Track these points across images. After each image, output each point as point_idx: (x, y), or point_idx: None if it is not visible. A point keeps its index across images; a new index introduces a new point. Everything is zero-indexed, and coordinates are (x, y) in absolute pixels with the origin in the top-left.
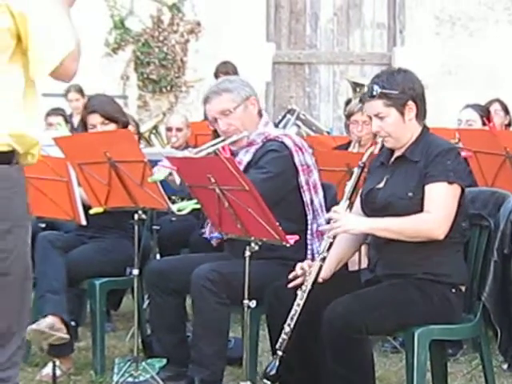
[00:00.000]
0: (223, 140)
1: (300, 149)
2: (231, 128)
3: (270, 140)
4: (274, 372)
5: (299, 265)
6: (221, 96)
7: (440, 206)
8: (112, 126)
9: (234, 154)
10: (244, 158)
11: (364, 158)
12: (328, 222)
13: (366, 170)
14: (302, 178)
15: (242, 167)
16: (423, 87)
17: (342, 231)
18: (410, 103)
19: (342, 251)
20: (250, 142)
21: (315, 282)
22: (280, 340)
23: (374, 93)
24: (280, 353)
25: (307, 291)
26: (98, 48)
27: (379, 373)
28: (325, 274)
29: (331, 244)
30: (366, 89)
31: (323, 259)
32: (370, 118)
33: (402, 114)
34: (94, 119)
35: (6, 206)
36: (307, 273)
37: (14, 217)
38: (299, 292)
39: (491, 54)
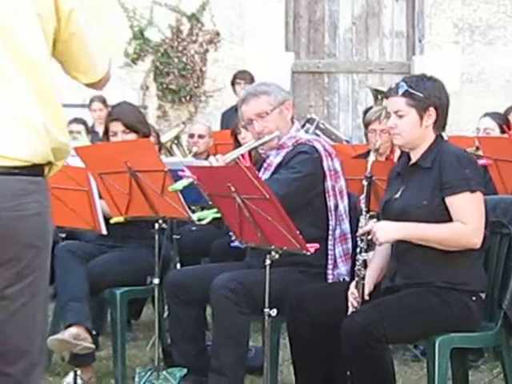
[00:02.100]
0: (254, 142)
1: (330, 154)
2: (266, 130)
3: (300, 143)
4: None
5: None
6: (259, 98)
7: (473, 217)
8: (132, 136)
9: (264, 157)
10: (274, 160)
11: (368, 169)
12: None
13: (379, 178)
14: (329, 183)
15: (272, 168)
16: (449, 100)
17: (379, 243)
18: (432, 110)
19: (381, 262)
20: (280, 145)
21: (363, 301)
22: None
23: (400, 89)
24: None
25: None
26: (118, 58)
27: (400, 382)
28: (368, 288)
29: (365, 261)
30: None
31: (363, 278)
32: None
33: (421, 118)
34: (116, 127)
35: (45, 222)
36: (354, 295)
37: (49, 232)
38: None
39: (510, 62)
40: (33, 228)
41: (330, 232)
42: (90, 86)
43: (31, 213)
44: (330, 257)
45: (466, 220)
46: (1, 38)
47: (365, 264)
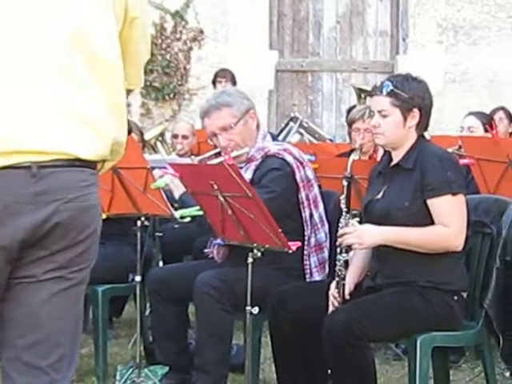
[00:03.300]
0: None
1: (301, 163)
2: (231, 144)
3: (269, 156)
4: None
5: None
6: (221, 111)
7: (455, 219)
8: None
9: None
10: (245, 175)
11: (348, 169)
12: (330, 234)
13: (361, 177)
14: (303, 194)
15: None
16: (432, 102)
17: (360, 248)
18: (416, 111)
19: (362, 263)
20: (249, 158)
21: (344, 300)
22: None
23: (385, 89)
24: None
25: None
26: None
27: (381, 380)
28: (349, 288)
29: (346, 261)
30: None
31: (343, 278)
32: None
33: (405, 118)
34: None
35: (101, 213)
36: (334, 294)
37: (101, 224)
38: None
39: (494, 62)
40: (93, 218)
41: (306, 241)
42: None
43: (92, 204)
44: (305, 266)
45: (447, 223)
46: (79, 42)
47: (346, 264)
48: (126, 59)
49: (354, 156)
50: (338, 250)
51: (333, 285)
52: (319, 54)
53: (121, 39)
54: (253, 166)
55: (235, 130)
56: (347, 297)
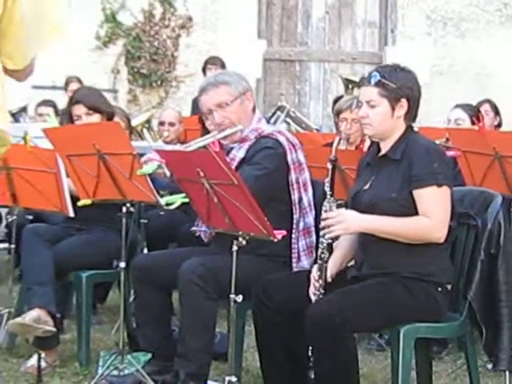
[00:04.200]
0: (216, 134)
1: (293, 146)
2: (226, 121)
3: (263, 137)
4: (312, 376)
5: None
6: (218, 88)
7: (438, 211)
8: (97, 117)
9: (226, 149)
10: (237, 154)
11: (332, 153)
12: (316, 220)
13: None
14: (293, 176)
15: (235, 163)
16: (420, 92)
17: (343, 233)
18: (404, 101)
19: (345, 250)
20: (243, 138)
21: (326, 283)
22: (309, 353)
23: (373, 79)
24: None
25: (321, 295)
26: (89, 41)
27: (364, 370)
28: (331, 272)
29: (329, 244)
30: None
31: (326, 261)
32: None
33: (393, 108)
34: (79, 110)
35: None
36: (315, 277)
37: None
38: (313, 297)
39: (482, 54)
40: None
41: (294, 225)
42: (13, 74)
43: None
44: (293, 250)
45: (430, 214)
46: None
47: (328, 247)
48: (7, 36)
49: (338, 146)
50: (321, 233)
51: (315, 268)
52: (307, 43)
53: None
54: (246, 145)
55: (231, 107)
56: (329, 279)
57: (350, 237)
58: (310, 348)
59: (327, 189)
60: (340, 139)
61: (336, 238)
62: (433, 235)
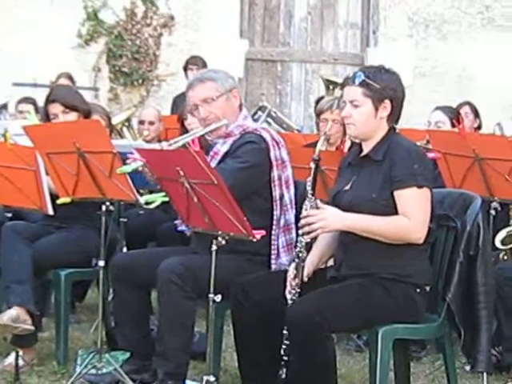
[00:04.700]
0: (202, 129)
1: (277, 143)
2: (211, 116)
3: (247, 132)
4: (284, 376)
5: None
6: (204, 84)
7: (417, 211)
8: (73, 115)
9: (211, 144)
10: (221, 148)
11: (316, 152)
12: (296, 219)
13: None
14: (275, 173)
15: (218, 157)
16: (404, 94)
17: (321, 232)
18: (387, 102)
19: (322, 249)
20: (227, 133)
21: (302, 282)
22: (284, 346)
23: (357, 79)
24: (286, 358)
25: (297, 294)
26: (71, 39)
27: (342, 371)
28: (308, 271)
29: (307, 243)
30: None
31: (303, 260)
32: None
33: (377, 109)
34: (55, 108)
35: None
36: (292, 275)
37: None
38: (289, 296)
39: (464, 57)
40: None
41: (275, 222)
42: None
43: None
44: (273, 246)
45: (409, 215)
46: None
47: (307, 246)
48: None
49: (321, 146)
50: (300, 232)
51: (292, 266)
52: (289, 44)
53: None
54: (230, 140)
55: (216, 103)
56: (305, 279)
57: (328, 236)
58: (284, 347)
59: (309, 188)
60: (324, 139)
61: (315, 238)
62: (412, 236)
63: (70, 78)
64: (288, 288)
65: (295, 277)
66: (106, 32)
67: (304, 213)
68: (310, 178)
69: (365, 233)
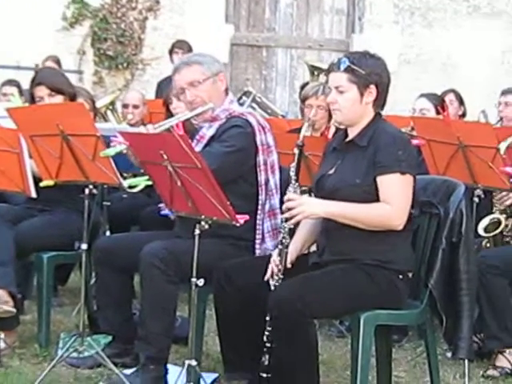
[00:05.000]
0: (188, 112)
1: (263, 128)
2: (197, 99)
3: (234, 116)
4: (266, 363)
5: (273, 262)
6: (191, 67)
7: (398, 198)
8: (59, 98)
9: (196, 128)
10: (207, 132)
11: (300, 138)
12: (280, 204)
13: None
14: (261, 158)
15: (204, 141)
16: (390, 80)
17: (301, 218)
18: (372, 87)
19: (305, 235)
20: (213, 117)
21: (285, 269)
22: (266, 332)
23: (342, 65)
24: (269, 344)
25: (280, 280)
26: (55, 22)
27: (324, 356)
28: (291, 257)
29: (291, 230)
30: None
31: (287, 246)
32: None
33: (362, 94)
34: (41, 91)
35: None
36: (275, 261)
37: None
38: (272, 282)
39: (449, 44)
40: None
41: (260, 206)
42: None
43: None
44: (258, 231)
45: (390, 201)
46: None
47: (290, 232)
48: None
49: (305, 132)
50: (283, 217)
51: (275, 252)
52: (275, 29)
53: None
54: (216, 124)
55: (203, 86)
56: (289, 265)
57: (311, 222)
58: (266, 333)
59: (292, 174)
60: (308, 125)
61: (297, 224)
62: (392, 222)
63: (58, 61)
64: (270, 274)
65: (279, 263)
66: (91, 15)
67: (285, 197)
68: (293, 164)
69: (345, 219)
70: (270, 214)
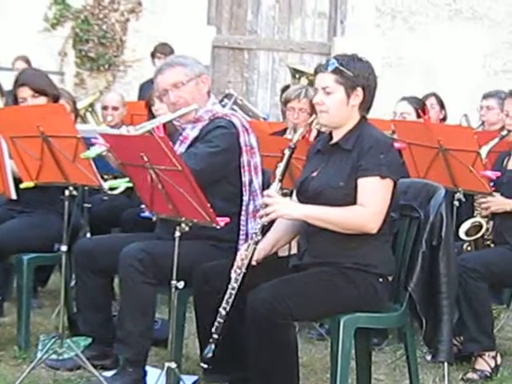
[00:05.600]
0: (171, 114)
1: (246, 130)
2: (181, 101)
3: (217, 117)
4: (210, 355)
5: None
6: (174, 68)
7: (374, 201)
8: (42, 99)
9: (178, 130)
10: (191, 133)
11: (294, 140)
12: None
13: (304, 157)
14: (245, 158)
15: (188, 142)
16: (376, 83)
17: (275, 216)
18: (359, 90)
19: (278, 235)
20: (197, 118)
21: (249, 264)
22: (216, 324)
23: (330, 66)
24: (216, 336)
25: (242, 274)
26: (37, 23)
27: (304, 359)
28: (258, 256)
29: (264, 227)
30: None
31: (256, 242)
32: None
33: (349, 96)
34: (24, 92)
35: None
36: (242, 255)
37: None
38: (233, 275)
39: (430, 48)
40: None
41: (244, 207)
42: None
43: None
44: (241, 232)
45: (366, 203)
46: None
47: (263, 230)
48: None
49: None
50: (259, 214)
51: (244, 246)
52: (257, 32)
53: None
54: (200, 125)
55: (186, 87)
56: (253, 263)
57: (287, 223)
58: (216, 325)
59: (278, 173)
60: (306, 130)
61: (272, 222)
62: (366, 225)
63: (27, 61)
64: (234, 267)
65: (245, 257)
66: (72, 16)
67: (264, 192)
68: (281, 164)
69: (319, 221)
70: (254, 214)
